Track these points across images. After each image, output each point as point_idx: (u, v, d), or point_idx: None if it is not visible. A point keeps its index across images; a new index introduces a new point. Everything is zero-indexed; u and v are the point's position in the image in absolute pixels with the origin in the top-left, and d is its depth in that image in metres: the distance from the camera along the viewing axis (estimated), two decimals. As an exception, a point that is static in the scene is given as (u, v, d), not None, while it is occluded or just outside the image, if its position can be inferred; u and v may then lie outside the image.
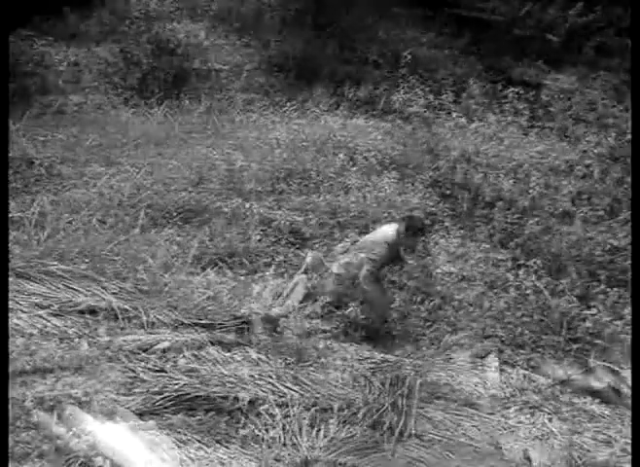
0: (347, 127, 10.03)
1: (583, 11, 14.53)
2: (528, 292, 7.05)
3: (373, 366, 5.75)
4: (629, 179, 8.46)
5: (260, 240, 7.64)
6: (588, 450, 4.95)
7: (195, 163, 9.01)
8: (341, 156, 9.20)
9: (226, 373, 5.22)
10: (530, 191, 8.09)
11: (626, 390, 5.73)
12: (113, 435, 4.46)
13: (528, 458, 4.85)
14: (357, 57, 13.97)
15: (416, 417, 4.91)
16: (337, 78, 12.96)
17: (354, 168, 9.00)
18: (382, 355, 5.97)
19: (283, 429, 4.80)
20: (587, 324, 6.70)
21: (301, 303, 6.78)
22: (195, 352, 5.51)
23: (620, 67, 13.66)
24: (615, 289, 7.25)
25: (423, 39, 14.46)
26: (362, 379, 5.54)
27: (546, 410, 5.49)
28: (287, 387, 5.16)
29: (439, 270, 7.28)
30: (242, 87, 12.26)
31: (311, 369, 5.56)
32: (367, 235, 7.54)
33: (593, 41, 14.29)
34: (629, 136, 9.06)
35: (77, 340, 5.62)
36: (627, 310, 7.04)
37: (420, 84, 10.19)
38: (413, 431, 4.80)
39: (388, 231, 7.46)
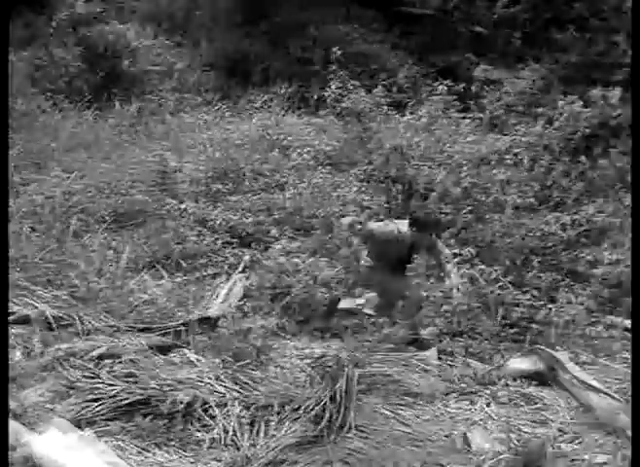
0: (280, 125, 10.04)
1: (509, 3, 14.85)
2: (464, 280, 7.17)
3: (312, 361, 5.76)
4: (558, 166, 8.70)
5: (196, 241, 7.58)
6: (526, 432, 5.03)
7: (128, 166, 8.90)
8: (275, 153, 9.21)
9: (163, 376, 5.15)
10: (462, 181, 8.21)
11: (561, 372, 5.87)
12: (49, 446, 4.36)
13: (468, 443, 4.91)
14: (288, 54, 13.99)
15: (356, 410, 4.92)
16: (269, 75, 12.95)
17: (289, 165, 9.01)
18: (321, 350, 5.99)
19: (223, 429, 4.77)
20: (522, 309, 6.84)
21: (239, 302, 6.78)
22: (133, 357, 5.42)
23: (546, 57, 13.97)
24: (547, 273, 7.43)
25: (354, 34, 14.56)
26: (302, 375, 5.55)
27: (484, 395, 5.56)
28: (226, 387, 5.11)
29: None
30: (173, 87, 12.19)
31: (250, 367, 5.53)
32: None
33: (520, 32, 14.63)
34: (557, 124, 9.30)
35: (10, 350, 5.48)
36: (561, 294, 7.22)
37: (351, 79, 10.19)
38: (353, 423, 4.81)
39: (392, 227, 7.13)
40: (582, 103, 9.34)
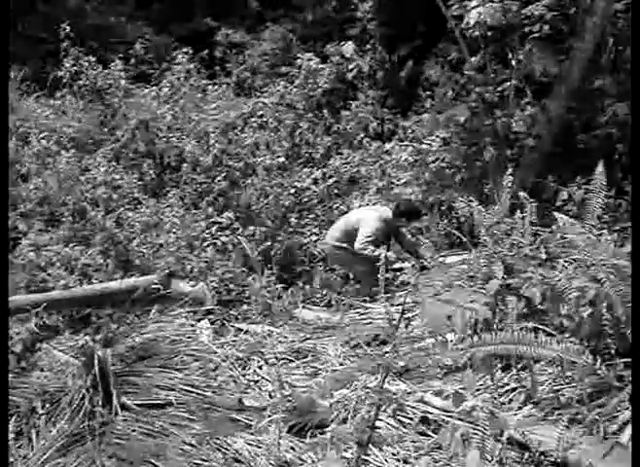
0: (17, 111, 9.35)
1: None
2: (228, 246, 7.18)
3: (75, 352, 5.49)
4: (303, 123, 8.91)
5: None
6: (299, 387, 5.14)
7: None
8: (13, 142, 8.58)
9: None
10: (211, 148, 8.14)
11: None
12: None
13: (243, 403, 4.95)
14: (20, 34, 13.07)
15: (120, 390, 4.74)
16: None
17: (29, 153, 8.43)
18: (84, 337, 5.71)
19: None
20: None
21: None
22: None
23: (285, 17, 14.22)
24: (307, 228, 7.67)
25: (88, 7, 13.89)
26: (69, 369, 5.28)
27: (256, 359, 5.62)
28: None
29: (134, 243, 7.11)
30: None
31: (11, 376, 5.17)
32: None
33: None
34: (297, 82, 9.47)
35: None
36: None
37: (86, 55, 9.70)
38: (118, 407, 4.63)
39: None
40: (319, 59, 9.58)
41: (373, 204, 7.63)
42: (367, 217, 6.76)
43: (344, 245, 6.75)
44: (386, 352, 5.25)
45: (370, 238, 6.59)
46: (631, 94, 5.23)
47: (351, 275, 7.01)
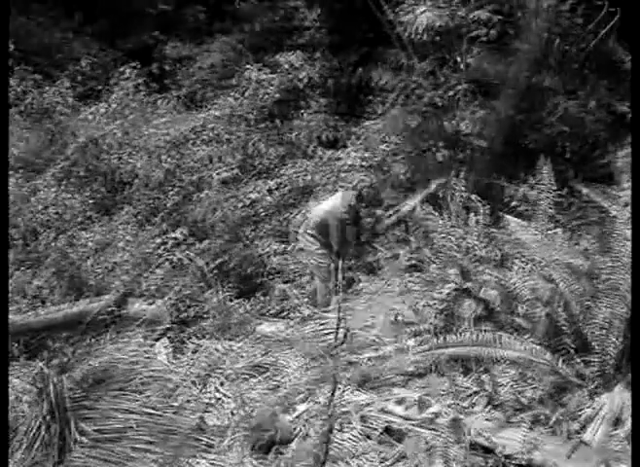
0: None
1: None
2: (183, 262, 7.05)
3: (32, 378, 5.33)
4: (255, 134, 8.85)
5: None
6: (258, 401, 5.07)
7: None
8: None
9: None
10: (164, 164, 8.02)
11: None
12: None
13: (204, 423, 4.87)
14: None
15: (78, 417, 4.62)
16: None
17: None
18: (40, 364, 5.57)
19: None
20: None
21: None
22: None
23: (234, 28, 14.10)
24: (263, 240, 7.59)
25: (31, 25, 13.64)
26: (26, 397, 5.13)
27: (216, 376, 5.53)
28: None
29: (88, 263, 6.96)
30: None
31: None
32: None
33: (204, 6, 14.60)
34: (247, 93, 9.39)
35: None
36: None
37: (32, 73, 9.52)
38: (76, 432, 4.52)
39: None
40: (268, 70, 9.52)
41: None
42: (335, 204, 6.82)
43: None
44: (350, 362, 5.28)
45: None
46: (631, 96, 5.27)
47: (309, 286, 6.95)
